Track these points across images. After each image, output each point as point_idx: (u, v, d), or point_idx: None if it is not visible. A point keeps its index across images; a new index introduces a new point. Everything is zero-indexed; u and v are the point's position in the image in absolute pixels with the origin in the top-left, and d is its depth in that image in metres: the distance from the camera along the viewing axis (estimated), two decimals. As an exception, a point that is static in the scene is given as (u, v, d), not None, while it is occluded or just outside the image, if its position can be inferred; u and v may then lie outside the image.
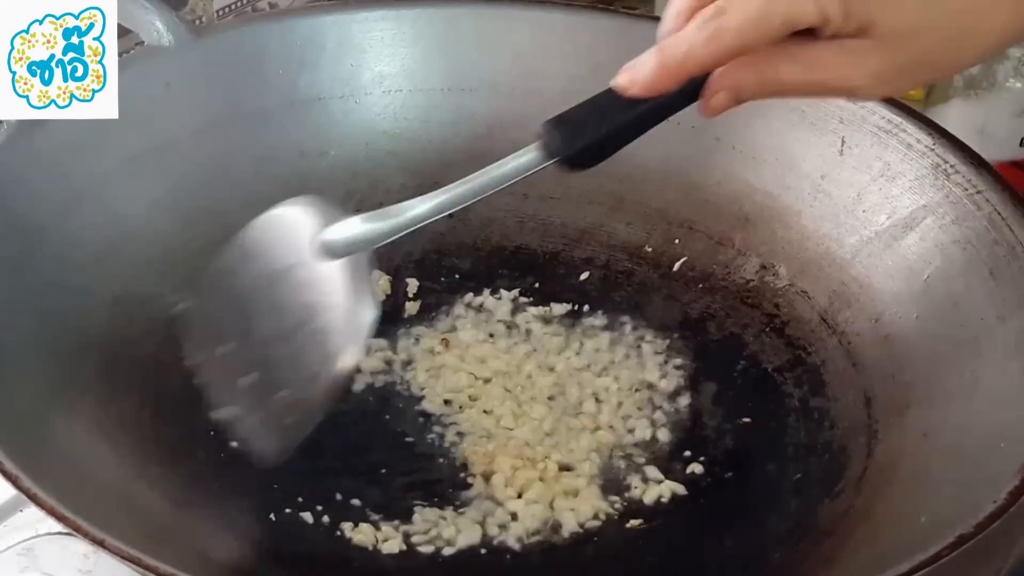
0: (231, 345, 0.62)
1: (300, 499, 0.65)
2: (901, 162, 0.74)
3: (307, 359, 0.59)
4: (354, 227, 0.58)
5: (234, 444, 0.66)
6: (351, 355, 0.59)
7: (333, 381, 0.58)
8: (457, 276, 0.79)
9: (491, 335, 0.76)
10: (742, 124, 0.77)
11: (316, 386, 0.58)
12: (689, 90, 0.54)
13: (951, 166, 0.72)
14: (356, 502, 0.65)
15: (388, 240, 0.58)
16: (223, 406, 0.62)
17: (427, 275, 0.79)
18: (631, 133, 0.56)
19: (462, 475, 0.68)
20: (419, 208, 0.58)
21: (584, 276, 0.80)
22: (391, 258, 0.79)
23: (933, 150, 0.73)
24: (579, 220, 0.81)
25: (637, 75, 0.54)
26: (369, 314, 0.58)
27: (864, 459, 0.66)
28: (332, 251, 0.58)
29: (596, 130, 0.55)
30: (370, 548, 0.63)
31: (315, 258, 0.58)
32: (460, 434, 0.70)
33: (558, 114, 0.56)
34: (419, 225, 0.58)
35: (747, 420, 0.71)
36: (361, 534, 0.63)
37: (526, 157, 0.56)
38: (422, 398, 0.72)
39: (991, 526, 0.53)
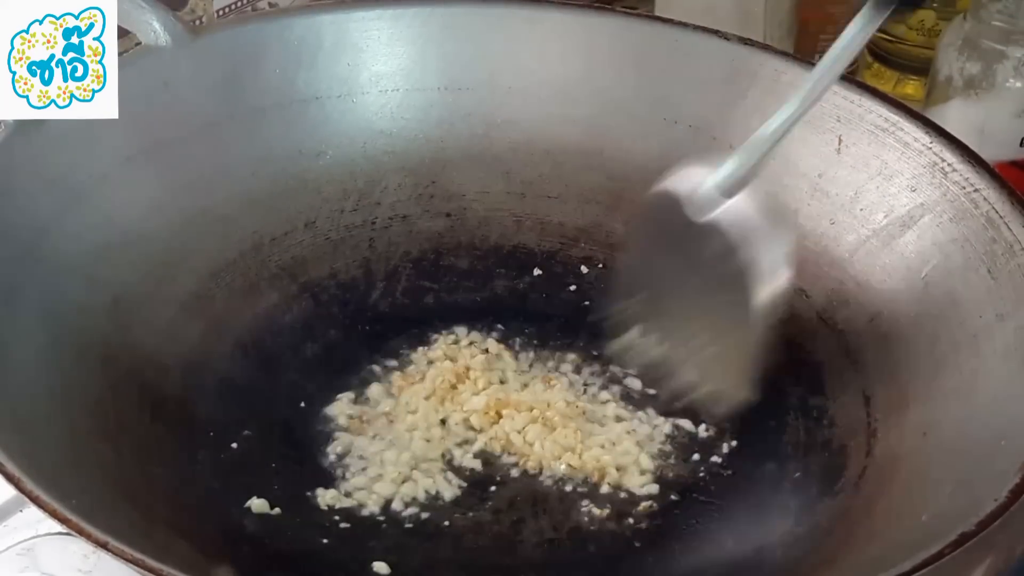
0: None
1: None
2: (898, 160, 0.74)
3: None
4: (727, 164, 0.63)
5: (234, 446, 0.66)
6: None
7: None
8: (455, 276, 0.79)
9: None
10: (739, 123, 0.77)
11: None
12: None
13: (948, 164, 0.72)
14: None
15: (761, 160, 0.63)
16: None
17: (425, 275, 0.79)
18: None
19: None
20: (784, 113, 0.62)
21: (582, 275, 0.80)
22: (388, 258, 0.79)
23: (930, 148, 0.73)
24: (577, 219, 0.81)
25: None
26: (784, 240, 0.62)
27: (864, 457, 0.66)
28: (724, 192, 0.62)
29: None
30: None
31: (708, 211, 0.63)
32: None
33: None
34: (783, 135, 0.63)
35: (745, 418, 0.71)
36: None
37: (862, 20, 0.59)
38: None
39: (993, 524, 0.53)
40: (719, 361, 0.68)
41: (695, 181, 0.65)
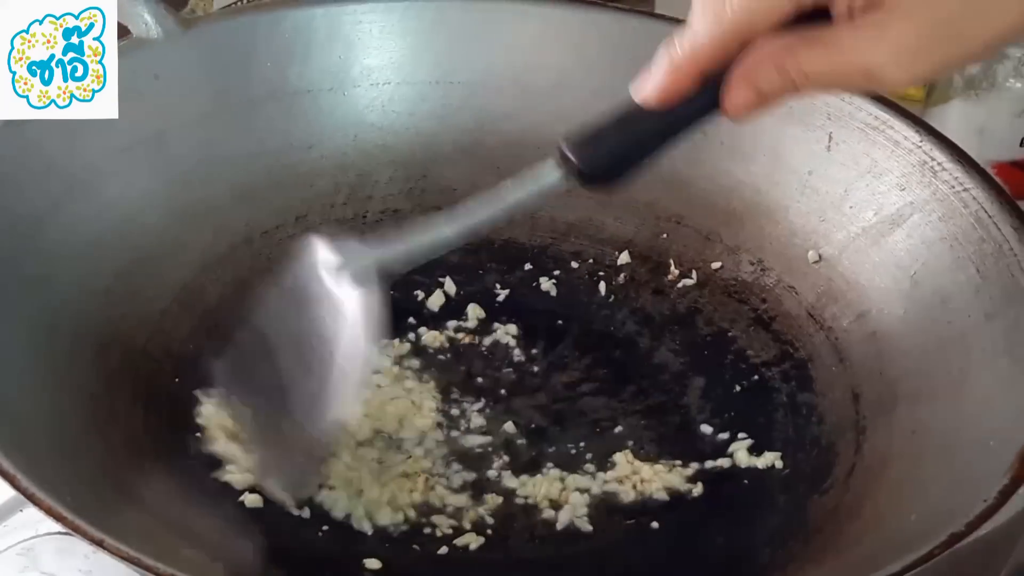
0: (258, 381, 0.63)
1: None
2: (888, 159, 0.74)
3: (319, 395, 0.60)
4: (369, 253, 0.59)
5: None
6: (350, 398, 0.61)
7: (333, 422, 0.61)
8: (445, 270, 0.79)
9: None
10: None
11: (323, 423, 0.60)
12: (712, 96, 0.53)
13: (938, 163, 0.72)
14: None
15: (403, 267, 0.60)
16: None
17: (415, 269, 0.78)
18: (657, 146, 0.55)
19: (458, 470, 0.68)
20: (433, 235, 0.59)
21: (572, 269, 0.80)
22: (382, 253, 0.79)
23: (920, 147, 0.73)
24: (567, 214, 0.81)
25: (652, 82, 0.53)
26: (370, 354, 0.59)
27: (852, 455, 0.66)
28: (354, 279, 0.58)
29: (622, 145, 0.55)
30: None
31: (337, 288, 0.59)
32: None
33: (576, 130, 0.55)
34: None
35: (735, 415, 0.71)
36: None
37: (549, 178, 0.56)
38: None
39: (982, 525, 0.54)
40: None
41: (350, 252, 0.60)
